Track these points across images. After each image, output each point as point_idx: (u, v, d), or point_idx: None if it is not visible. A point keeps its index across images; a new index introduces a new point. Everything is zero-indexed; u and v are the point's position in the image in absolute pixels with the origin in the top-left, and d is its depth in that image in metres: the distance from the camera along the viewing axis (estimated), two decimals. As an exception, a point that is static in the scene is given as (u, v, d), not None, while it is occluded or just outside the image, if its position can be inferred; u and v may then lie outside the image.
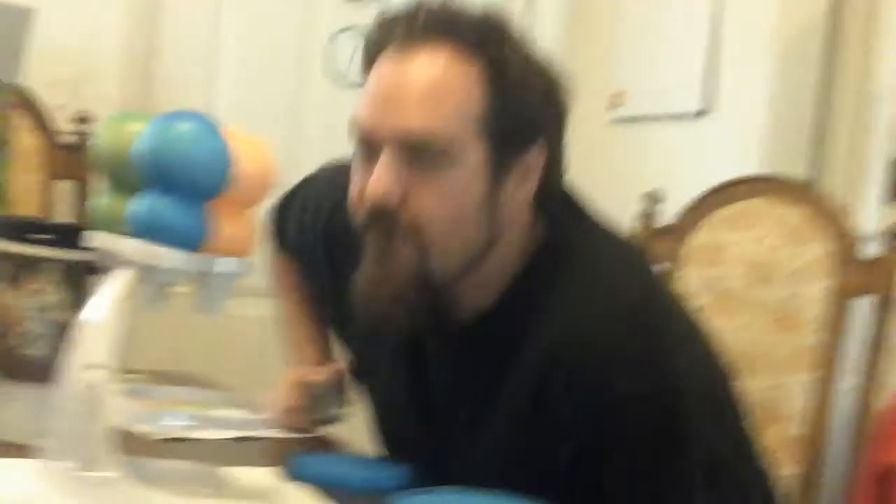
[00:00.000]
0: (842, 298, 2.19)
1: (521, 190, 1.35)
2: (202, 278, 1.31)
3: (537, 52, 1.35)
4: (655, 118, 2.93)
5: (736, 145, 2.67)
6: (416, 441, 1.50)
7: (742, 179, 2.28)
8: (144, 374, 1.63)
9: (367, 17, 3.32)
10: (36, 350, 1.43)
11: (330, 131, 3.28)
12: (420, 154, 1.29)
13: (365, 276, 1.34)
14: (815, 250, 2.20)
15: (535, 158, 1.35)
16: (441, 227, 1.30)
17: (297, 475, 1.41)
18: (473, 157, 1.30)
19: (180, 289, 1.31)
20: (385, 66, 1.33)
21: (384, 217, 1.31)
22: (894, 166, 2.50)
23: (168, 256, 1.24)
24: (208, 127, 1.27)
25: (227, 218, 1.30)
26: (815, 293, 2.18)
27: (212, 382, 1.74)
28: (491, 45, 1.31)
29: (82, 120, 2.91)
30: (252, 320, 3.10)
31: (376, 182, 1.29)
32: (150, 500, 1.23)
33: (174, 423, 1.40)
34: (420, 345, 1.44)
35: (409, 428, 1.51)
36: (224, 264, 1.29)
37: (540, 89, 1.35)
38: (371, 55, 1.36)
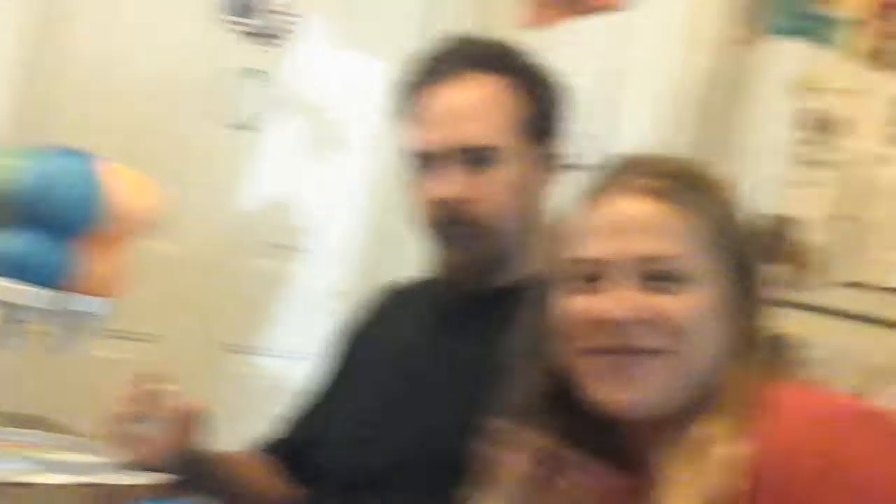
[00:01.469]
0: None
1: (547, 178, 1.65)
2: (60, 317, 1.27)
3: (541, 64, 1.68)
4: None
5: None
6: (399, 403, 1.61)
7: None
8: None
9: (266, 59, 3.34)
10: None
11: (218, 172, 3.25)
12: (478, 159, 1.58)
13: (448, 260, 1.62)
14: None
15: (554, 151, 1.65)
16: (495, 213, 1.58)
17: None
18: (516, 154, 1.59)
19: (36, 327, 1.27)
20: (435, 95, 1.62)
21: (452, 211, 1.57)
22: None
23: (22, 293, 1.20)
24: (78, 162, 1.24)
25: (95, 256, 1.26)
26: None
27: (61, 426, 1.68)
28: (514, 63, 1.64)
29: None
30: (115, 363, 3.04)
31: (451, 186, 1.57)
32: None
33: (12, 467, 1.34)
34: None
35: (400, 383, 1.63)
36: (83, 303, 1.26)
37: (554, 93, 1.67)
38: (412, 91, 1.64)
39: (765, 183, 2.63)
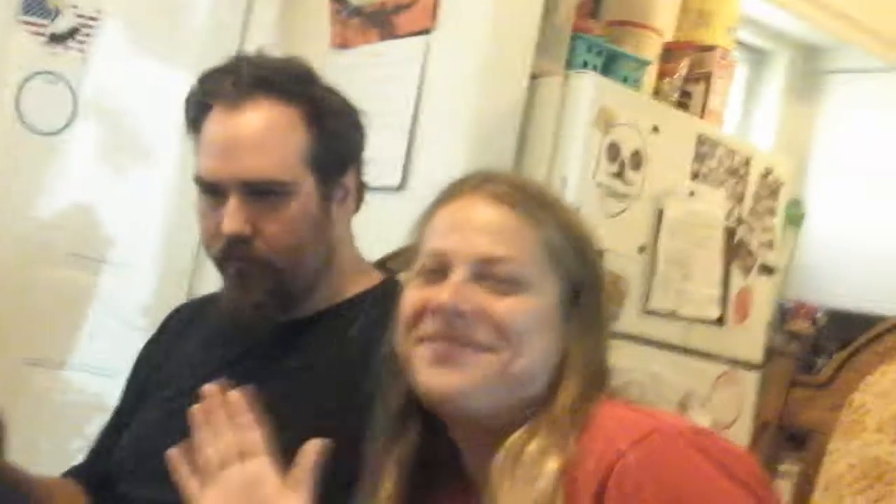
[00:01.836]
0: None
1: (344, 208, 1.60)
2: None
3: (338, 90, 1.59)
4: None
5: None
6: None
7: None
8: None
9: (64, 61, 3.23)
10: None
11: (11, 176, 3.13)
12: (261, 193, 1.49)
13: (229, 297, 1.55)
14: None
15: (351, 180, 1.60)
16: (289, 249, 1.52)
17: None
18: (305, 188, 1.52)
19: None
20: (219, 121, 1.52)
21: (239, 249, 1.50)
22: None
23: None
24: None
25: None
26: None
27: None
28: (306, 90, 1.54)
29: None
30: None
31: (229, 222, 1.48)
32: None
33: None
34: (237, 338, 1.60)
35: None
36: None
37: (348, 122, 1.59)
38: (199, 110, 1.54)
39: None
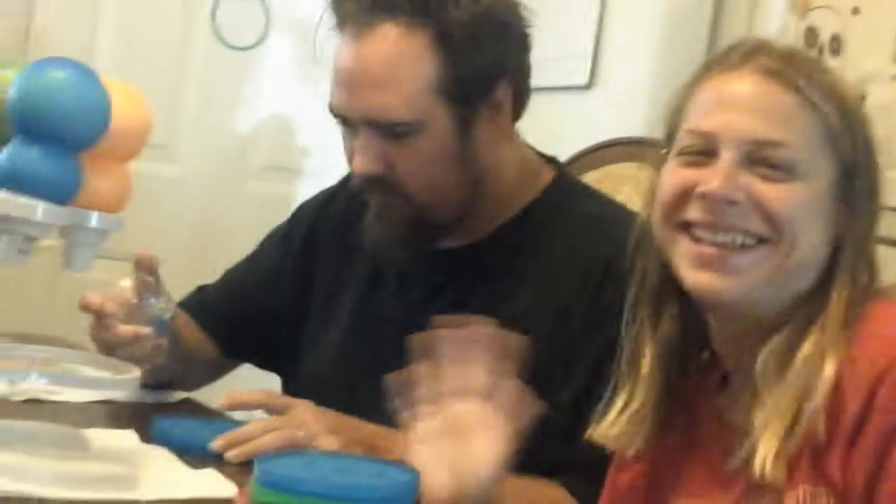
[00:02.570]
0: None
1: (494, 127, 1.46)
2: (71, 233, 1.25)
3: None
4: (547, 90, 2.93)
5: (622, 116, 2.68)
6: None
7: (612, 142, 2.09)
8: (7, 335, 1.57)
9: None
10: None
11: (211, 91, 3.21)
12: (390, 131, 1.40)
13: (372, 229, 1.49)
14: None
15: (502, 94, 1.45)
16: (425, 187, 1.43)
17: (157, 438, 1.38)
18: (439, 121, 1.41)
19: (48, 242, 1.26)
20: (345, 49, 1.42)
21: (375, 185, 1.44)
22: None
23: (37, 208, 1.18)
24: (84, 74, 1.21)
25: (99, 171, 1.24)
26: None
27: (74, 344, 1.67)
28: (434, 10, 1.39)
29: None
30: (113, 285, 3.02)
31: (360, 161, 1.42)
32: (5, 461, 1.17)
33: (33, 383, 1.34)
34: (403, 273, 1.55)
35: (380, 348, 1.47)
36: (93, 219, 1.24)
37: (493, 32, 1.42)
38: (337, 25, 1.45)
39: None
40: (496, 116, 1.46)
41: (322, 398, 1.43)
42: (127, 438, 1.41)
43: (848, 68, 2.74)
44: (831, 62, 2.72)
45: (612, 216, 1.49)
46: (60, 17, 3.12)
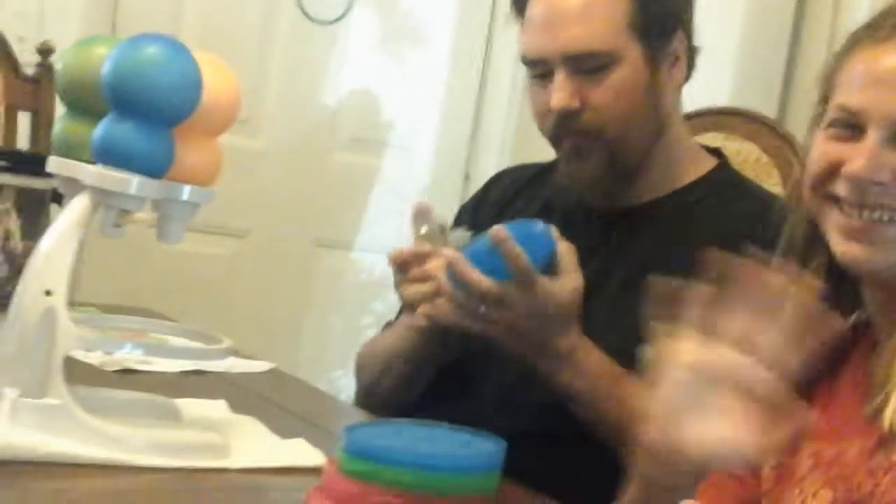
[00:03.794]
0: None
1: (673, 76, 1.56)
2: (164, 206, 1.27)
3: None
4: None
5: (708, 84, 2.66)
6: None
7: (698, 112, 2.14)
8: (97, 307, 1.60)
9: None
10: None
11: (296, 65, 3.23)
12: (587, 65, 1.49)
13: (565, 172, 1.57)
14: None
15: (678, 44, 1.56)
16: (619, 120, 1.51)
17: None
18: (631, 56, 1.50)
19: (140, 216, 1.28)
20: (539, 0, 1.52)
21: (570, 123, 1.51)
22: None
23: (132, 182, 1.21)
24: (176, 49, 1.23)
25: (191, 145, 1.26)
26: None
27: (166, 316, 1.70)
28: None
29: (45, 52, 2.84)
30: (206, 258, 3.07)
31: (557, 96, 1.49)
32: (100, 429, 1.20)
33: (127, 353, 1.37)
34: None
35: None
36: (186, 193, 1.26)
37: None
38: None
39: None
40: (673, 68, 1.56)
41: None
42: (218, 408, 1.43)
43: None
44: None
45: (780, 207, 1.49)
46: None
